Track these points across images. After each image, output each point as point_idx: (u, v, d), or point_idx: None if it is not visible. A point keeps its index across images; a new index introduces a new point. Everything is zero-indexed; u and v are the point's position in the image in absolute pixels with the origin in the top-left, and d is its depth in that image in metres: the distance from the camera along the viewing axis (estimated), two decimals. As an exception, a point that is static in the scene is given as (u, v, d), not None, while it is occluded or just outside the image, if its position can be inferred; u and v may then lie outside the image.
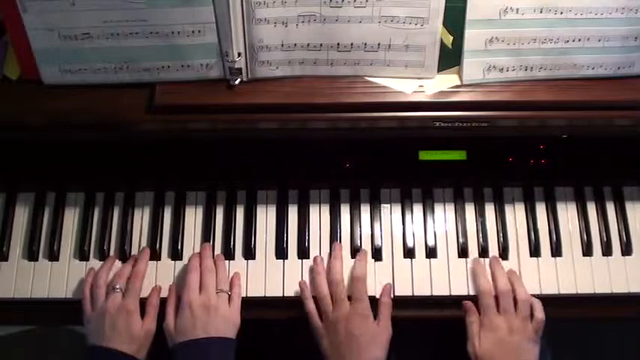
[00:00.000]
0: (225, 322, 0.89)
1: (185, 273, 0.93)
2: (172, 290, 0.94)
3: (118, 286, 0.90)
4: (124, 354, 0.85)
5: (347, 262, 0.96)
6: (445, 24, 0.83)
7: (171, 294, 0.93)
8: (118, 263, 0.97)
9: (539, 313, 0.91)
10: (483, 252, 0.98)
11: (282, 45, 0.84)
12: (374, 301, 0.93)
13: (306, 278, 0.96)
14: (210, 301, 0.89)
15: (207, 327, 0.87)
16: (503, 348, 0.88)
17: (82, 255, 0.98)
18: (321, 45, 0.85)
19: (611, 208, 1.01)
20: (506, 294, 0.91)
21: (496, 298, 0.92)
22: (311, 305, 0.93)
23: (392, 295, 0.94)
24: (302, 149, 0.99)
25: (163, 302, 0.92)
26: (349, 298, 0.92)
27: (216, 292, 0.91)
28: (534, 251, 0.98)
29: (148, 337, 0.89)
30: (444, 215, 1.00)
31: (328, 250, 0.98)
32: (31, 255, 0.98)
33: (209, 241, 0.98)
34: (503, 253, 0.98)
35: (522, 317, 0.90)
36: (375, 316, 0.91)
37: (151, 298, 0.92)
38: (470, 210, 1.00)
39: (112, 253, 0.99)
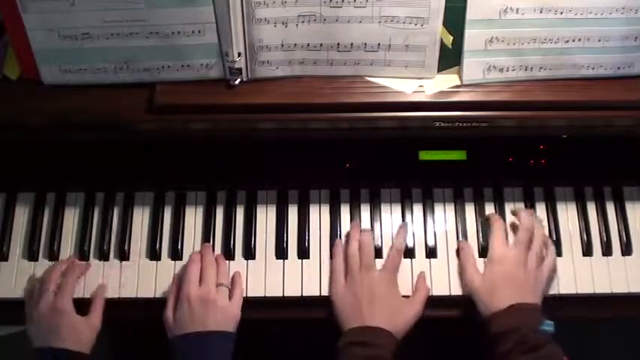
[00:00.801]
0: (225, 316, 0.89)
1: (185, 268, 0.93)
2: (173, 283, 0.94)
3: (50, 288, 0.90)
4: (68, 351, 0.86)
5: (347, 262, 0.97)
6: (445, 24, 0.83)
7: (173, 285, 0.93)
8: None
9: (552, 254, 0.91)
10: (483, 252, 0.97)
11: (282, 45, 0.84)
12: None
13: (307, 278, 0.96)
14: (209, 295, 0.88)
15: (206, 321, 0.87)
16: (507, 279, 0.87)
17: (82, 255, 0.98)
18: (321, 45, 0.85)
19: (611, 208, 1.01)
20: (527, 230, 0.91)
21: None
22: (340, 261, 0.93)
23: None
24: (302, 149, 0.99)
25: (161, 302, 0.92)
26: None
27: (217, 286, 0.90)
28: (534, 251, 0.98)
29: (90, 334, 0.89)
30: (444, 215, 1.00)
31: (328, 250, 0.98)
32: (31, 255, 0.98)
33: (209, 241, 0.98)
34: (503, 253, 0.98)
35: (534, 253, 0.89)
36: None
37: (96, 294, 0.93)
38: (470, 210, 1.00)
39: (112, 253, 0.98)
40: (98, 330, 0.90)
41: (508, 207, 1.00)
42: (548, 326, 0.84)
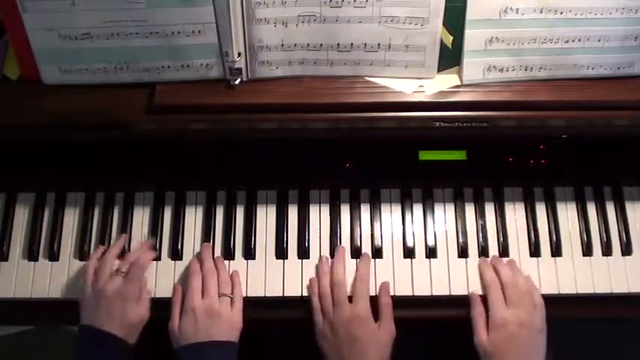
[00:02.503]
0: (228, 327, 0.89)
1: (187, 275, 0.94)
2: (177, 291, 0.93)
3: (122, 270, 0.91)
4: (115, 337, 0.86)
5: (349, 262, 0.96)
6: (445, 24, 0.83)
7: (176, 295, 0.93)
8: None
9: (538, 298, 0.92)
10: (483, 252, 0.98)
11: (282, 45, 0.84)
12: (372, 302, 0.93)
13: (307, 278, 0.96)
14: (213, 306, 0.89)
15: (210, 331, 0.87)
16: (514, 343, 0.88)
17: (82, 255, 0.98)
18: (321, 45, 0.85)
19: (611, 208, 1.01)
20: (512, 285, 0.92)
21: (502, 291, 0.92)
22: (316, 300, 0.93)
23: (392, 294, 0.94)
24: (302, 149, 0.99)
25: (161, 301, 0.92)
26: (350, 299, 0.91)
27: (219, 296, 0.91)
28: (534, 251, 0.98)
29: (140, 323, 0.90)
30: (444, 215, 1.00)
31: (328, 250, 0.98)
32: (31, 255, 0.98)
33: (209, 241, 0.98)
34: (504, 253, 0.98)
35: (528, 310, 0.90)
36: (377, 318, 0.91)
37: (143, 285, 0.92)
38: (470, 210, 1.00)
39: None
40: (145, 322, 0.90)
41: (508, 207, 1.00)
42: None
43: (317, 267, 0.97)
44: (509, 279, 0.92)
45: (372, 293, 0.95)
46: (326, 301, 0.92)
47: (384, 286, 0.95)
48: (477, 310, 0.92)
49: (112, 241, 0.99)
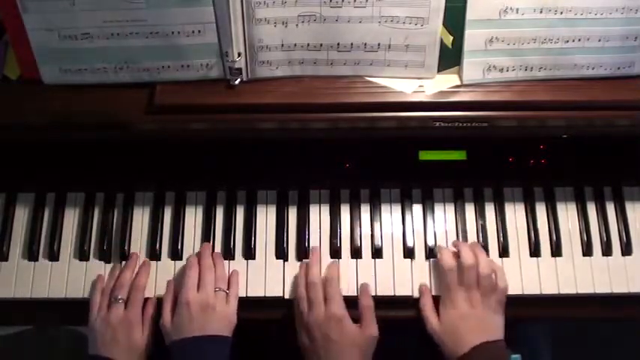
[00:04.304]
0: (222, 321, 0.89)
1: (183, 269, 0.94)
2: (170, 287, 0.94)
3: (120, 297, 0.91)
4: None
5: (349, 263, 0.97)
6: (445, 24, 0.83)
7: (168, 291, 0.93)
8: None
9: (502, 282, 0.91)
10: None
11: (282, 45, 0.84)
12: (376, 303, 0.93)
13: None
14: (208, 300, 0.89)
15: (205, 325, 0.87)
16: (466, 323, 0.88)
17: (82, 255, 0.98)
18: (321, 45, 0.85)
19: (611, 208, 1.01)
20: (469, 268, 0.90)
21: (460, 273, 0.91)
22: (296, 304, 0.92)
23: (392, 294, 0.94)
24: (302, 149, 0.99)
25: (161, 301, 0.92)
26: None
27: (215, 291, 0.91)
28: (534, 251, 0.98)
29: (146, 350, 0.89)
30: (444, 215, 1.00)
31: (328, 250, 0.98)
32: (31, 255, 0.98)
33: (209, 241, 0.98)
34: (504, 253, 0.98)
35: (484, 291, 0.90)
36: (358, 320, 0.90)
37: (147, 311, 0.92)
38: (470, 210, 1.00)
39: (112, 253, 0.98)
40: (150, 348, 0.90)
41: (508, 207, 1.00)
42: None
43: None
44: (468, 262, 0.91)
45: (372, 293, 0.95)
46: (302, 303, 0.91)
47: (364, 287, 0.94)
48: (423, 300, 0.92)
49: (112, 242, 0.99)
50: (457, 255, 0.93)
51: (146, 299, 0.94)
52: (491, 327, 0.88)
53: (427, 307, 0.92)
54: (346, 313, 0.89)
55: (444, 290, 0.92)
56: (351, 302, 0.92)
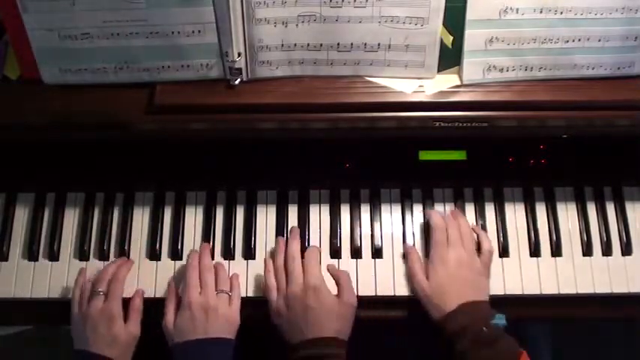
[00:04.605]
0: (225, 323, 0.89)
1: (184, 271, 0.93)
2: (171, 288, 0.93)
3: (100, 290, 0.90)
4: (105, 358, 0.85)
5: (349, 263, 0.97)
6: (445, 24, 0.83)
7: (170, 293, 0.93)
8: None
9: (487, 244, 0.94)
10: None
11: (282, 45, 0.84)
12: (371, 302, 0.93)
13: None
14: (209, 302, 0.89)
15: (207, 328, 0.87)
16: (454, 282, 0.89)
17: (82, 255, 0.98)
18: (321, 45, 0.85)
19: (611, 208, 1.01)
20: (454, 227, 0.93)
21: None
22: (271, 279, 0.93)
23: (392, 294, 0.94)
24: (302, 149, 0.99)
25: (161, 301, 0.92)
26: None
27: (216, 293, 0.90)
28: (534, 251, 0.98)
29: (131, 342, 0.89)
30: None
31: (329, 250, 0.98)
32: (31, 255, 0.98)
33: (209, 241, 0.98)
34: (504, 253, 0.98)
35: (469, 250, 0.92)
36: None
37: (134, 303, 0.92)
38: (470, 210, 1.00)
39: (112, 253, 0.98)
40: (137, 339, 0.90)
41: (508, 207, 1.01)
42: (500, 319, 0.86)
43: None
44: (452, 222, 0.94)
45: (372, 293, 0.95)
46: (280, 275, 0.92)
47: (334, 267, 0.95)
48: (412, 257, 0.94)
49: (112, 242, 0.99)
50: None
51: (134, 292, 0.93)
52: (478, 288, 0.90)
53: (417, 264, 0.94)
54: (325, 284, 0.91)
55: (433, 249, 0.93)
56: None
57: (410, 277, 0.94)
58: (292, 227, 0.98)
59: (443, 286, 0.89)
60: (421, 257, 0.96)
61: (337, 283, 0.93)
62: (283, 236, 0.98)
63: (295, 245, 0.94)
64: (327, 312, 0.88)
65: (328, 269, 0.95)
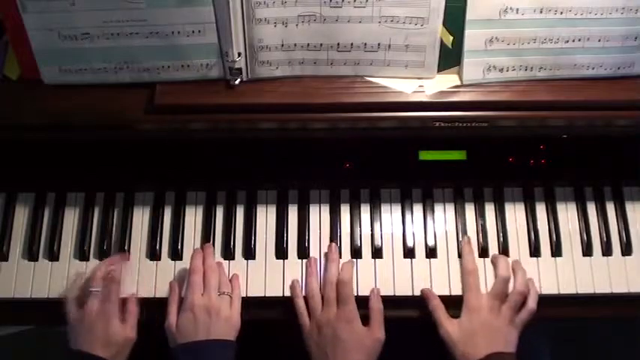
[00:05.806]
0: (227, 325, 0.89)
1: (186, 273, 0.93)
2: (174, 289, 0.93)
3: (95, 290, 0.90)
4: (99, 358, 0.85)
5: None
6: (445, 24, 0.83)
7: (172, 293, 0.93)
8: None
9: (533, 303, 0.91)
10: (483, 252, 0.97)
11: (282, 45, 0.84)
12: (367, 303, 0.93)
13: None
14: (212, 304, 0.89)
15: (209, 329, 0.87)
16: (485, 329, 0.88)
17: (82, 255, 0.98)
18: (321, 45, 0.85)
19: (611, 208, 1.01)
20: (503, 281, 0.92)
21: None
22: (301, 303, 0.93)
23: (392, 294, 0.94)
24: (302, 149, 0.99)
25: (161, 301, 0.92)
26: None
27: (218, 295, 0.90)
28: (534, 251, 0.98)
29: (126, 343, 0.88)
30: (444, 215, 1.00)
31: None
32: (31, 255, 0.98)
33: (209, 241, 0.98)
34: (504, 253, 0.98)
35: (510, 306, 0.90)
36: (366, 321, 0.91)
37: (130, 306, 0.91)
38: (470, 210, 1.00)
39: (112, 253, 0.98)
40: (133, 341, 0.89)
41: (508, 207, 1.01)
42: None
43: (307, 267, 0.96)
44: (504, 274, 0.92)
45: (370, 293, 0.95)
46: (314, 300, 0.92)
47: (374, 292, 0.94)
48: (434, 303, 0.93)
49: (112, 242, 0.99)
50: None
51: (129, 297, 0.93)
52: (507, 340, 0.89)
53: (440, 312, 0.92)
54: (357, 315, 0.90)
55: (465, 293, 0.92)
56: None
57: (436, 323, 0.91)
58: (330, 246, 0.96)
59: (473, 331, 0.88)
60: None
61: (370, 314, 0.92)
62: (283, 233, 0.98)
63: (335, 269, 0.94)
64: (356, 345, 0.88)
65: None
